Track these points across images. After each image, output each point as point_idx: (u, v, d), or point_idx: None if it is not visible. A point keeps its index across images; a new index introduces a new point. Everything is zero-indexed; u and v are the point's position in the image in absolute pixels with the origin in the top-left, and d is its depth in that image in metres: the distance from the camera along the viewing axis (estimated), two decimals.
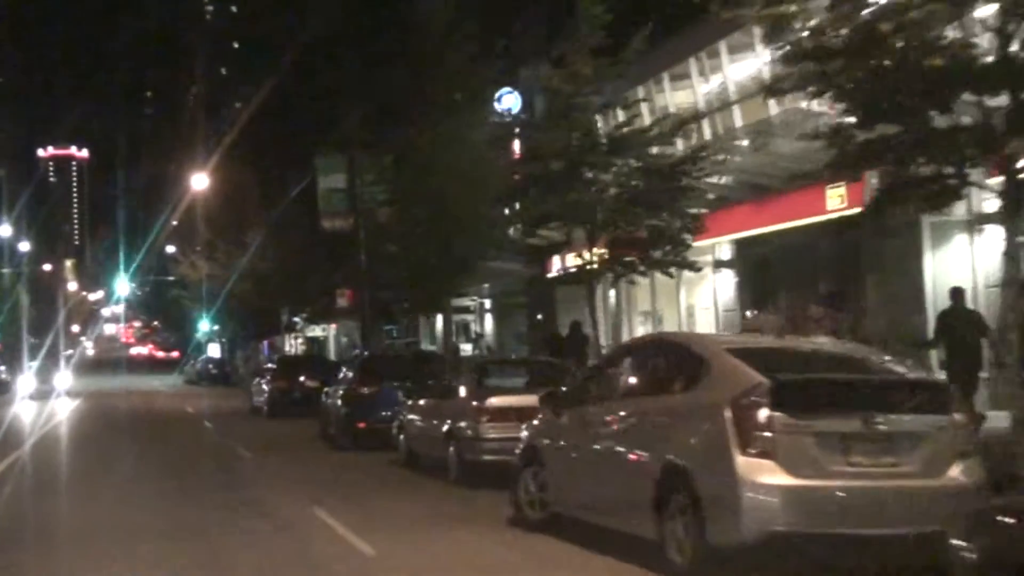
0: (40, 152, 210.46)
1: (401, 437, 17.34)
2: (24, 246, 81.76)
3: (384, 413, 19.55)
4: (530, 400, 14.38)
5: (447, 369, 18.76)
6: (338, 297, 37.76)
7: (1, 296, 72.63)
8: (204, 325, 72.65)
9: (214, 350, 75.77)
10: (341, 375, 22.38)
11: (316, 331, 64.98)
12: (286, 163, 48.06)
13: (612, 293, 33.31)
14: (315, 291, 48.17)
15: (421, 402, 16.82)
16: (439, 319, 47.33)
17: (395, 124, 26.96)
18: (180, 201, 65.37)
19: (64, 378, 48.81)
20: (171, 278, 79.40)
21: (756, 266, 25.44)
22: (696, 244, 22.32)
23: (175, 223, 74.29)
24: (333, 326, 65.96)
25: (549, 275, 34.00)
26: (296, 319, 55.47)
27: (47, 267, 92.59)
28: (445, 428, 15.17)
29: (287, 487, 15.16)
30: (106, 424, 28.61)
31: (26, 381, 44.21)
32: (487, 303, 47.57)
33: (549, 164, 18.42)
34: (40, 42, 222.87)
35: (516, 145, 30.71)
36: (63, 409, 35.00)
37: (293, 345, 74.36)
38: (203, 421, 29.06)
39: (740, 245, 25.50)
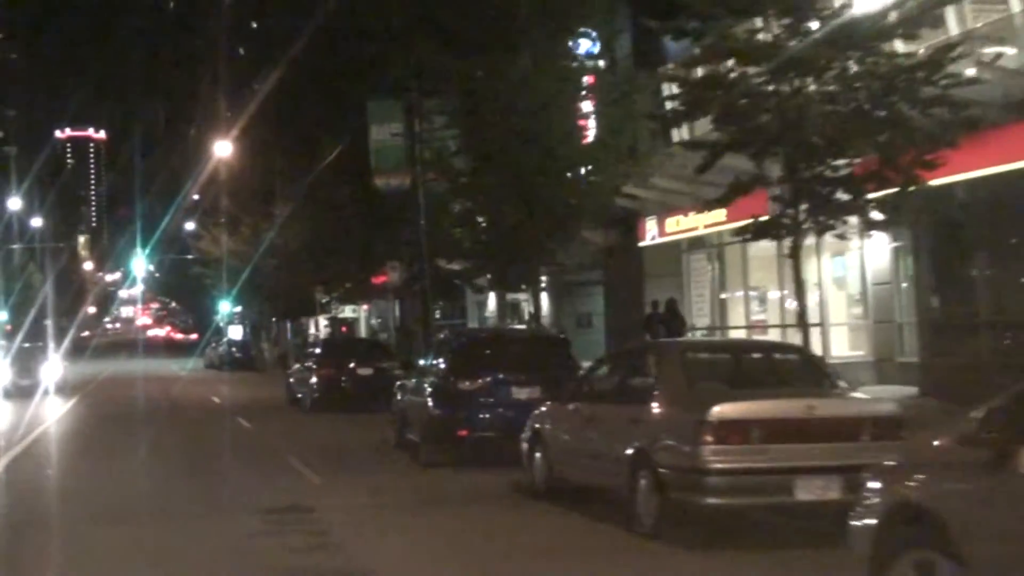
0: (57, 133, 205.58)
1: (537, 455, 11.86)
2: (36, 222, 76.59)
3: (491, 417, 14.20)
4: (785, 408, 9.02)
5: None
6: (389, 271, 32.14)
7: (11, 274, 67.84)
8: (225, 306, 67.47)
9: (235, 332, 70.43)
10: (423, 363, 16.92)
11: (346, 312, 59.53)
12: (320, 124, 42.58)
13: (715, 266, 27.90)
14: (354, 266, 42.80)
15: (572, 406, 11.34)
16: (491, 298, 41.97)
17: (469, 55, 21.46)
18: (201, 173, 59.91)
19: (52, 369, 34.56)
20: (190, 256, 74.11)
21: (936, 227, 19.89)
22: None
23: (196, 197, 68.89)
24: (364, 307, 60.80)
25: (643, 243, 28.55)
26: (327, 299, 49.85)
27: (60, 246, 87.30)
28: (630, 450, 9.69)
29: (393, 542, 9.72)
30: (113, 426, 22.33)
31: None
32: (542, 280, 42.04)
33: (742, 67, 12.93)
34: (57, 22, 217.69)
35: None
36: (52, 413, 25.24)
37: (319, 327, 69.05)
38: (236, 417, 23.60)
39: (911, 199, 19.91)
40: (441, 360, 15.44)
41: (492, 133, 20.46)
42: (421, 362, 17.13)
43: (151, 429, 20.51)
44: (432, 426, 14.49)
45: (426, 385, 15.27)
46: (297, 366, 27.87)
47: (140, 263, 77.54)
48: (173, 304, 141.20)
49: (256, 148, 52.07)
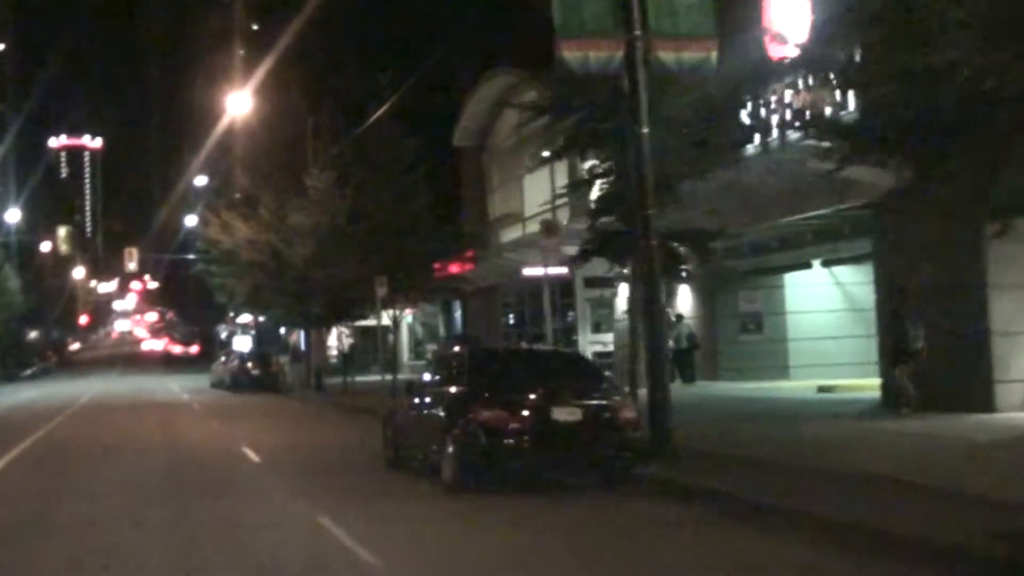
0: (52, 142, 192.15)
1: None
2: (13, 215, 63.02)
3: None
4: None
5: None
6: (545, 232, 18.66)
7: None
8: (233, 312, 54.35)
9: (242, 344, 57.10)
10: None
11: (383, 318, 45.98)
12: (378, 51, 29.67)
13: None
14: (427, 247, 29.80)
15: None
16: (622, 290, 28.78)
17: None
18: (209, 141, 46.68)
19: None
20: (191, 256, 60.74)
21: None
22: None
23: (203, 180, 55.60)
24: (408, 311, 47.45)
25: None
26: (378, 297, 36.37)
27: (46, 246, 73.11)
28: None
29: None
30: None
31: None
32: (684, 268, 28.78)
33: None
34: (52, 26, 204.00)
35: None
36: None
37: (337, 337, 55.72)
38: (312, 514, 10.47)
39: None
40: None
41: None
42: None
43: None
44: None
45: None
46: (411, 399, 14.52)
47: (132, 252, 63.72)
48: (170, 314, 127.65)
49: (281, 105, 39.06)
